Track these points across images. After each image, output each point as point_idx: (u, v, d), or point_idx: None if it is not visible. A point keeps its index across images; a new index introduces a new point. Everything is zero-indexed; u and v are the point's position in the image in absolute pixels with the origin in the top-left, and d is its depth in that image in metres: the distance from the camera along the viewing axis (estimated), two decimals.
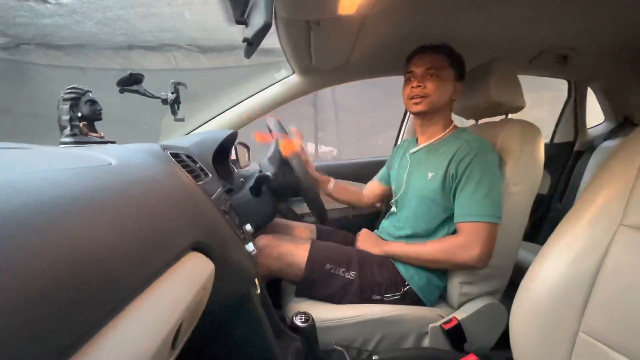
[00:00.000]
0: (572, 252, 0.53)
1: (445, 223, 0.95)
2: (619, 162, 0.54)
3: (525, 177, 0.90)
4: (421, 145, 1.04)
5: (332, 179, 1.22)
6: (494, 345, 0.96)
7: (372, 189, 1.29)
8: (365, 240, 1.07)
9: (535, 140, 0.92)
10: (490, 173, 0.87)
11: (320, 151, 3.15)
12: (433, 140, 1.01)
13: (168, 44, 1.85)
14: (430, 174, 0.94)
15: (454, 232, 0.93)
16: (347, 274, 0.94)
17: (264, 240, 0.96)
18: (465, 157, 0.88)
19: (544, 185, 1.83)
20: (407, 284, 0.94)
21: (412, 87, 0.96)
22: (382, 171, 1.28)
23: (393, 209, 1.11)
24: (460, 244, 0.86)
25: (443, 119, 1.00)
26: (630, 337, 0.45)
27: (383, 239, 1.08)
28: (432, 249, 0.91)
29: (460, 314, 0.91)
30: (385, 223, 1.13)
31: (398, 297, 0.94)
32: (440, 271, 0.96)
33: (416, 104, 0.96)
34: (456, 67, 0.96)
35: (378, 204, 1.61)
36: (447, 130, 1.00)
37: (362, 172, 1.56)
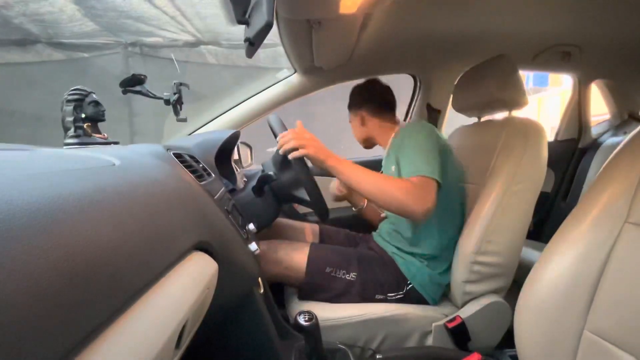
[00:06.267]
0: (577, 250, 0.53)
1: (429, 227, 0.95)
2: (624, 159, 0.54)
3: (529, 175, 0.90)
4: (385, 152, 1.14)
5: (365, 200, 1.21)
6: (498, 343, 0.96)
7: None
8: (314, 147, 0.85)
9: (538, 137, 0.91)
10: (419, 141, 0.91)
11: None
12: (386, 146, 1.12)
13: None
14: (393, 168, 1.00)
15: (447, 244, 0.97)
16: (348, 275, 0.94)
17: (261, 246, 0.96)
18: (399, 143, 0.97)
19: (548, 183, 1.82)
20: (410, 283, 0.94)
21: None
22: None
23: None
24: (414, 188, 0.81)
25: (382, 136, 1.13)
26: (636, 335, 0.45)
27: (385, 239, 1.07)
28: (390, 180, 0.85)
29: (464, 313, 0.91)
30: (382, 224, 1.13)
31: (401, 296, 0.94)
32: (443, 269, 0.96)
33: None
34: (368, 102, 1.11)
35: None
36: (392, 135, 1.09)
37: None
